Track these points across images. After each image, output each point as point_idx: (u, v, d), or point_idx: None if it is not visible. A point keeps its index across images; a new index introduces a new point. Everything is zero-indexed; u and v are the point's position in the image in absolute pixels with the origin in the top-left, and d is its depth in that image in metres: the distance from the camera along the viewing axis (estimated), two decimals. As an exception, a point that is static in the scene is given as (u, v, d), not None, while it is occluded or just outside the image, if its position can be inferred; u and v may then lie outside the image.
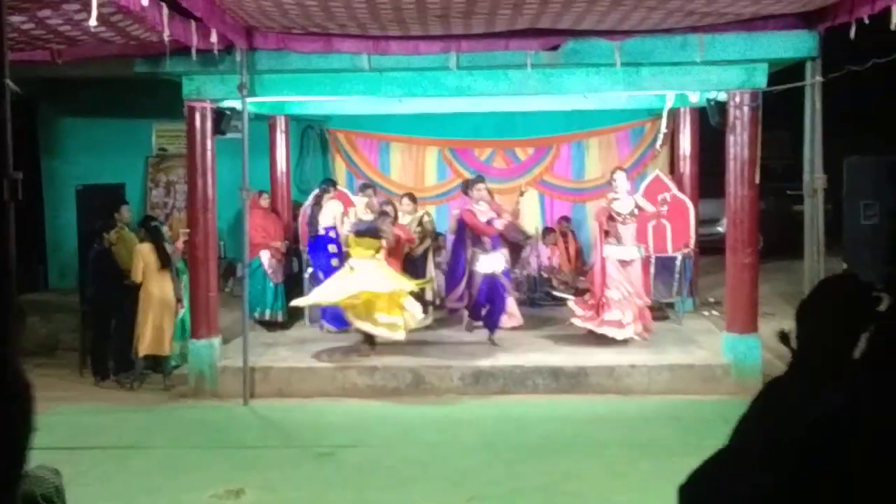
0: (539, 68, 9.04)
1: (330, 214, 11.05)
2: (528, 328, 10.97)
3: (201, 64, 8.59)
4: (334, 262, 10.67)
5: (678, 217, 11.44)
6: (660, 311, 11.40)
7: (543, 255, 12.80)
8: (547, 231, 13.04)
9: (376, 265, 9.65)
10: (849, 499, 1.38)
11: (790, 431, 1.62)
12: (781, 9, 8.23)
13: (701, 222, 12.31)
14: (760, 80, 9.06)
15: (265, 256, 11.46)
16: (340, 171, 13.49)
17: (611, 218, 10.06)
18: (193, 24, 7.55)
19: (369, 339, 9.83)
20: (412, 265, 10.93)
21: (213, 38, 7.89)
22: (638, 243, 10.25)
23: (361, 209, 10.18)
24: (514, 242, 10.45)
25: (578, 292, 11.35)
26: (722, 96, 9.55)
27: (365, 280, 9.39)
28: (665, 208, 10.48)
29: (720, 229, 12.26)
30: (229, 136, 9.88)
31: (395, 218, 10.56)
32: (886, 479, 1.43)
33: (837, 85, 8.69)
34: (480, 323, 10.36)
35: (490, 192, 10.46)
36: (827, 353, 2.05)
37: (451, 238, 11.03)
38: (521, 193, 10.59)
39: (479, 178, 10.58)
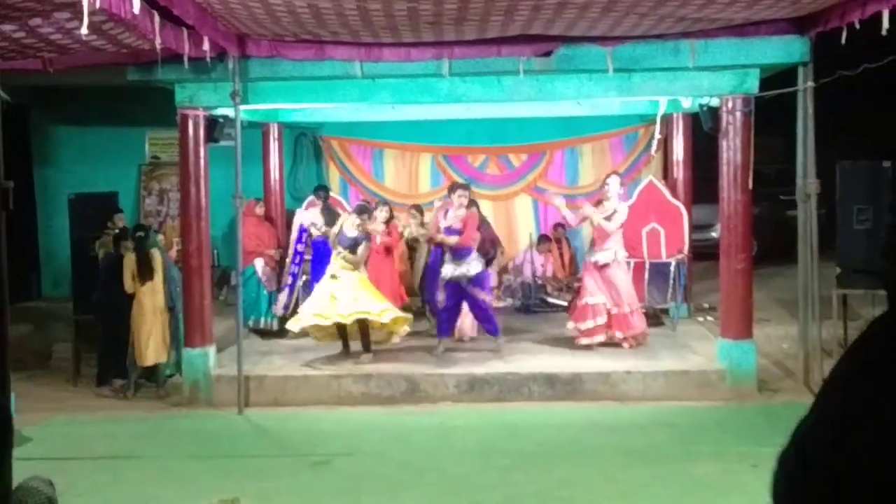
0: (531, 74, 9.05)
1: (309, 219, 11.10)
2: (523, 335, 10.97)
3: (194, 72, 8.58)
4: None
5: (672, 223, 11.45)
6: (654, 317, 11.41)
7: (537, 263, 12.80)
8: (541, 238, 13.04)
9: (358, 282, 9.71)
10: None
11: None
12: (773, 14, 8.24)
13: (695, 228, 12.32)
14: (752, 85, 9.08)
15: (259, 264, 11.44)
16: (334, 178, 13.50)
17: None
18: (185, 31, 7.54)
19: (346, 347, 9.99)
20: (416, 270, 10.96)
21: (206, 45, 7.88)
22: (618, 247, 10.16)
23: (349, 224, 9.95)
24: (485, 253, 10.42)
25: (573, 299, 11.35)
26: (714, 102, 9.56)
27: (349, 302, 9.53)
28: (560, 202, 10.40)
29: (714, 235, 12.25)
30: (222, 143, 9.86)
31: (388, 222, 10.65)
32: None
33: (830, 90, 8.71)
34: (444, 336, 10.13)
35: (475, 203, 10.38)
36: None
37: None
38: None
39: (464, 186, 10.47)
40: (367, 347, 9.83)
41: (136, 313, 9.73)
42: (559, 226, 13.07)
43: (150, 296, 9.74)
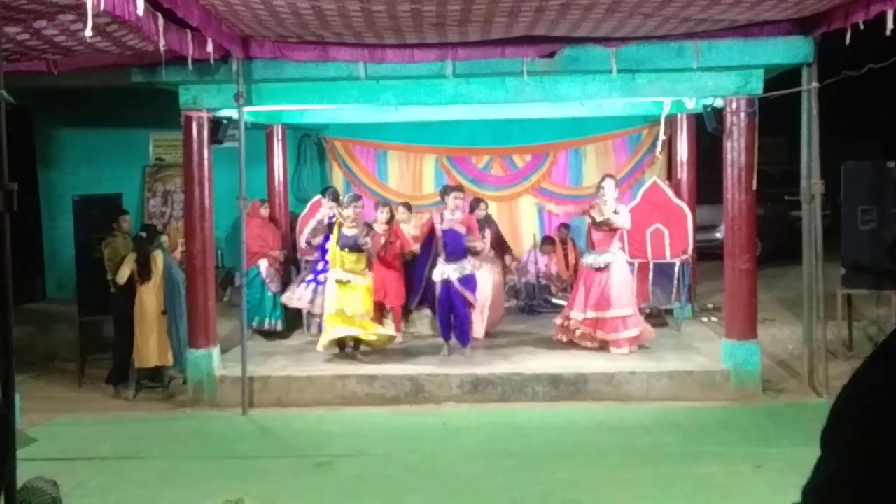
0: (535, 75, 9.05)
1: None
2: (527, 335, 10.97)
3: (197, 73, 8.60)
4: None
5: (676, 223, 11.44)
6: (659, 317, 11.41)
7: (541, 263, 12.80)
8: (545, 240, 13.04)
9: (362, 290, 9.77)
10: None
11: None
12: (777, 15, 8.23)
13: (699, 228, 12.32)
14: (756, 86, 9.07)
15: (263, 265, 11.45)
16: (338, 179, 13.51)
17: (591, 225, 10.16)
18: (189, 33, 7.55)
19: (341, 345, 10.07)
20: (407, 272, 10.91)
21: (209, 47, 7.89)
22: (617, 250, 10.14)
23: (349, 222, 9.87)
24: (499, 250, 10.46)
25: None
26: (718, 102, 9.55)
27: (353, 304, 9.68)
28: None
29: (718, 235, 12.25)
30: (226, 145, 9.88)
31: (390, 222, 10.63)
32: None
33: (834, 90, 8.70)
34: (450, 339, 10.12)
35: (484, 202, 10.45)
36: None
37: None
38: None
39: (458, 188, 10.56)
40: (356, 347, 10.02)
41: (137, 314, 9.74)
42: (564, 226, 13.08)
43: (151, 297, 9.74)
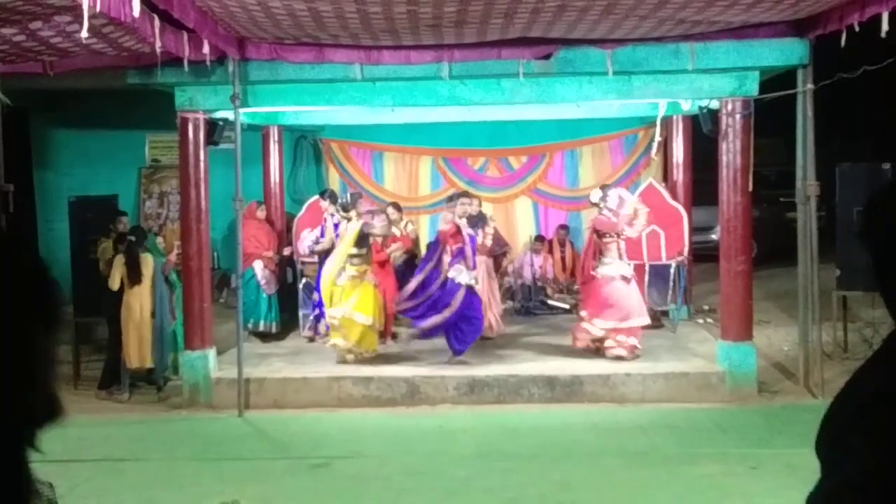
0: (531, 77, 9.06)
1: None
2: (523, 337, 10.98)
3: (193, 75, 8.59)
4: None
5: (672, 225, 11.46)
6: (654, 319, 11.40)
7: (536, 264, 12.79)
8: (537, 239, 13.00)
9: (367, 291, 9.76)
10: None
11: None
12: (772, 17, 8.25)
13: (695, 230, 12.32)
14: (752, 87, 9.08)
15: (258, 267, 11.43)
16: (334, 181, 13.49)
17: (599, 235, 9.95)
18: (185, 35, 7.54)
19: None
20: (403, 274, 10.92)
21: (206, 48, 7.88)
22: (619, 261, 9.97)
23: (375, 233, 9.95)
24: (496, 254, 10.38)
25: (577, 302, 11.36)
26: (714, 104, 9.57)
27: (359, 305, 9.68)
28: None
29: (714, 237, 12.27)
30: (222, 146, 9.88)
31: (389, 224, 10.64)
32: None
33: (829, 92, 8.72)
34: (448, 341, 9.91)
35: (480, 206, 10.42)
36: None
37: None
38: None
39: (465, 193, 10.50)
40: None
41: (124, 316, 9.70)
42: (563, 227, 13.08)
43: (138, 299, 9.69)
